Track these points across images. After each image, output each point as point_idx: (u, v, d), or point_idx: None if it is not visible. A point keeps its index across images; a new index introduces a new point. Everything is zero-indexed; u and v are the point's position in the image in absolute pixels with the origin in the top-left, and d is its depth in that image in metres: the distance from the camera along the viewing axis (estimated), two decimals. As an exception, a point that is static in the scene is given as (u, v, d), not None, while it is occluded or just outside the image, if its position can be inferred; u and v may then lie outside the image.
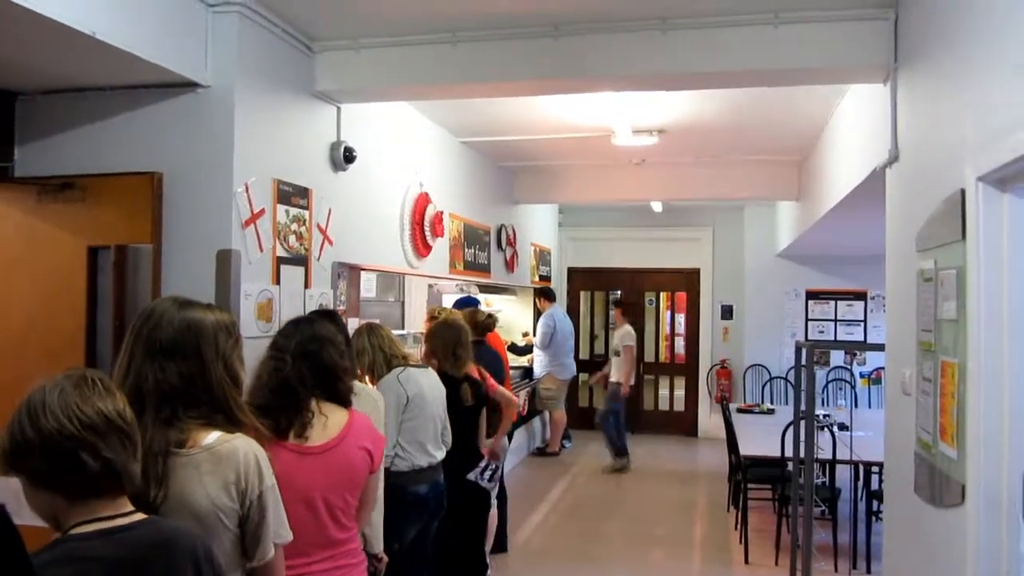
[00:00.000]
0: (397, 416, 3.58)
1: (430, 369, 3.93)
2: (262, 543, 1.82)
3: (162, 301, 1.94)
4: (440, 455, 3.76)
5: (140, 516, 1.55)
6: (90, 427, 1.46)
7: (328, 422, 2.38)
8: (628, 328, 8.84)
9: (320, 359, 2.43)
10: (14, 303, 3.64)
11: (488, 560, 5.30)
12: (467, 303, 6.32)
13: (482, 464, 4.24)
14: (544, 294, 9.17)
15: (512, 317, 9.56)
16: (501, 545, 5.70)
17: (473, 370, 4.35)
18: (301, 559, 2.27)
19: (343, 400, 2.46)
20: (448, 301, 7.37)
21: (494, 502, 5.26)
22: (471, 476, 4.14)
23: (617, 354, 8.69)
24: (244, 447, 1.81)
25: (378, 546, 3.02)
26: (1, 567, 1.25)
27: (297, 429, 2.32)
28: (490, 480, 4.29)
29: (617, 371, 8.63)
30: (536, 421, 9.50)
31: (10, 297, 3.65)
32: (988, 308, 2.36)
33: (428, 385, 3.76)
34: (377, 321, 4.07)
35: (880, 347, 3.90)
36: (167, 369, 1.81)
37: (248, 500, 1.80)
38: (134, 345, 1.85)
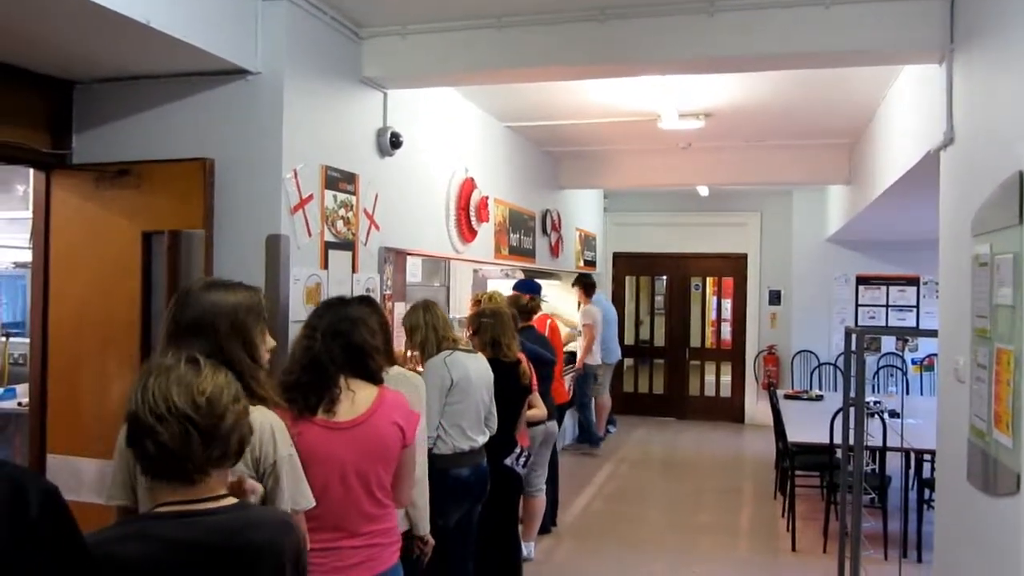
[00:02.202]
0: (441, 398, 3.61)
1: (480, 355, 3.92)
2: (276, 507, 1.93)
3: (193, 282, 2.10)
4: (482, 439, 3.78)
5: (228, 502, 1.58)
6: (153, 413, 1.50)
7: (356, 398, 2.42)
8: (588, 307, 8.74)
9: (351, 338, 2.47)
10: (73, 287, 3.74)
11: (533, 543, 5.35)
12: (527, 287, 6.27)
13: (517, 450, 4.26)
14: (584, 284, 9.09)
15: (557, 303, 9.53)
16: (545, 527, 5.73)
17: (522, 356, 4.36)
18: (334, 533, 2.31)
19: (373, 378, 2.50)
20: (494, 286, 7.39)
21: (542, 487, 5.29)
22: (507, 461, 4.17)
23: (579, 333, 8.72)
24: (260, 418, 1.91)
25: (424, 529, 3.06)
26: (57, 545, 1.29)
27: (326, 405, 2.37)
28: (524, 466, 4.33)
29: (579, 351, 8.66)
30: (581, 406, 9.50)
31: (69, 281, 3.75)
32: (1046, 294, 2.31)
33: (475, 370, 3.77)
34: (434, 300, 4.07)
35: (933, 333, 3.82)
36: (192, 347, 1.90)
37: (263, 468, 1.92)
38: (167, 324, 2.01)
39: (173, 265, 3.61)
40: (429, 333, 3.74)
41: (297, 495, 1.97)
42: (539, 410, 4.67)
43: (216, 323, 1.97)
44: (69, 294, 3.74)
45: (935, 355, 6.82)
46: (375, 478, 2.41)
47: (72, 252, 3.75)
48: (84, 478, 3.57)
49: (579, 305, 9.02)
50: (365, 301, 3.03)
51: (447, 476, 3.55)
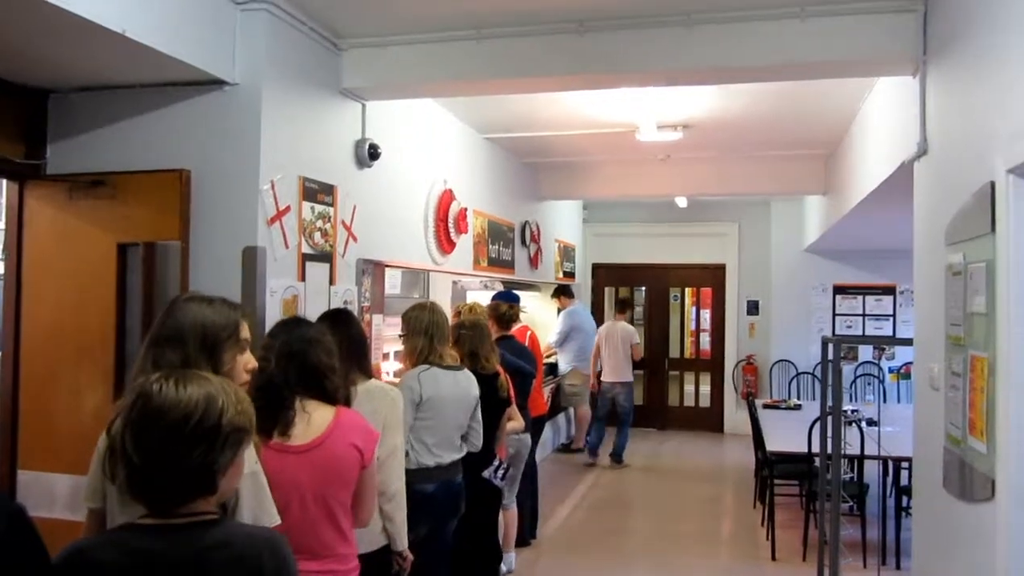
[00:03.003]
0: (410, 413, 3.54)
1: (464, 371, 3.82)
2: None
3: (179, 296, 2.12)
4: (451, 457, 3.67)
5: (207, 518, 1.55)
6: (129, 429, 1.51)
7: (312, 420, 2.38)
8: (612, 322, 8.95)
9: (306, 359, 2.44)
10: (46, 299, 3.69)
11: (513, 555, 5.32)
12: (506, 298, 6.24)
13: (495, 463, 4.24)
14: (563, 292, 9.13)
15: (537, 314, 9.53)
16: (524, 540, 5.70)
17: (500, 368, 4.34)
18: (295, 555, 2.28)
19: (331, 398, 2.47)
20: (473, 297, 7.37)
21: (514, 500, 5.26)
22: (485, 474, 4.14)
23: None
24: None
25: (402, 544, 3.02)
26: (24, 565, 1.28)
27: (280, 428, 2.34)
28: (502, 479, 4.30)
29: None
30: (561, 417, 9.49)
31: (42, 293, 3.70)
32: (1018, 302, 2.33)
33: (450, 387, 3.67)
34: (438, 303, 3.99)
35: (908, 342, 3.86)
36: (166, 357, 1.93)
37: None
38: (150, 332, 2.02)
39: (149, 277, 3.57)
40: (424, 342, 3.67)
41: (259, 512, 1.93)
42: (517, 422, 4.66)
43: (187, 337, 1.96)
44: (42, 306, 3.69)
45: (911, 363, 6.86)
46: (334, 501, 2.38)
47: (46, 263, 3.70)
48: (57, 494, 3.51)
49: (559, 312, 9.08)
50: (333, 317, 3.00)
51: (412, 491, 3.48)
